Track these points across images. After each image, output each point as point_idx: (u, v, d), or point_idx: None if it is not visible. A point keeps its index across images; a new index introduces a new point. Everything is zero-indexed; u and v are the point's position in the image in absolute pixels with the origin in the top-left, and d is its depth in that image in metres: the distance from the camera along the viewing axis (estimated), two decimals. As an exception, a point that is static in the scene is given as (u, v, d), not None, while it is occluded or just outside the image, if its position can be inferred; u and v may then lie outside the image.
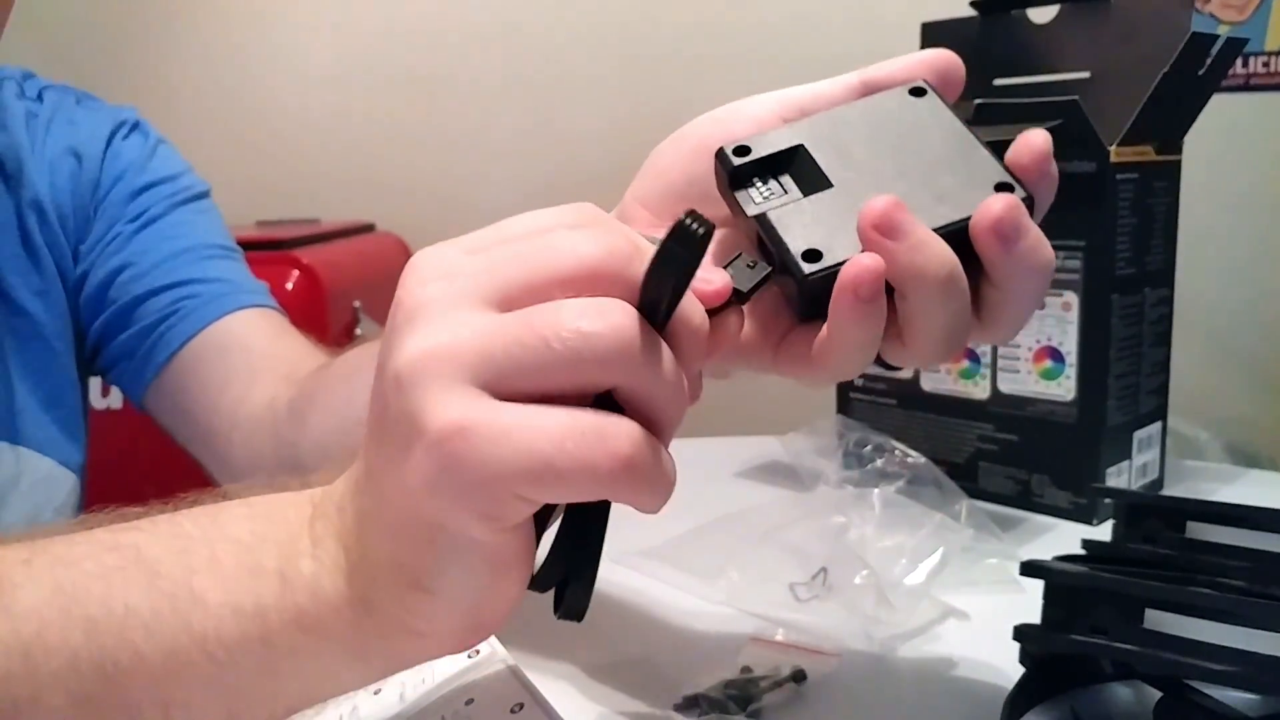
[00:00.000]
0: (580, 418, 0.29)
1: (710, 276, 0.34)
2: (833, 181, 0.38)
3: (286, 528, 0.34)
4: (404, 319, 0.31)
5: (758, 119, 0.42)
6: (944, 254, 0.35)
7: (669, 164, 0.45)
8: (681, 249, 0.30)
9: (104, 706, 0.32)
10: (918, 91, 0.40)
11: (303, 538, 0.34)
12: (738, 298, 0.35)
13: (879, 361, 0.39)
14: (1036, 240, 0.36)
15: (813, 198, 0.38)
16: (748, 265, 0.36)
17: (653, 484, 0.30)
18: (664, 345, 0.31)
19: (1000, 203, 0.35)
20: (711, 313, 0.34)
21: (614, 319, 0.29)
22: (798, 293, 0.37)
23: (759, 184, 0.39)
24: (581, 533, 0.34)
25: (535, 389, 0.29)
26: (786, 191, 0.38)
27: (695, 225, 0.30)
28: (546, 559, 0.34)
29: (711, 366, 0.42)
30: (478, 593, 0.31)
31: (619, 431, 0.29)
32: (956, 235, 0.36)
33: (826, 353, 0.37)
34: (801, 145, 0.39)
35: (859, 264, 0.34)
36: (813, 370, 0.38)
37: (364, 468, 0.33)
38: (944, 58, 0.41)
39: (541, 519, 0.33)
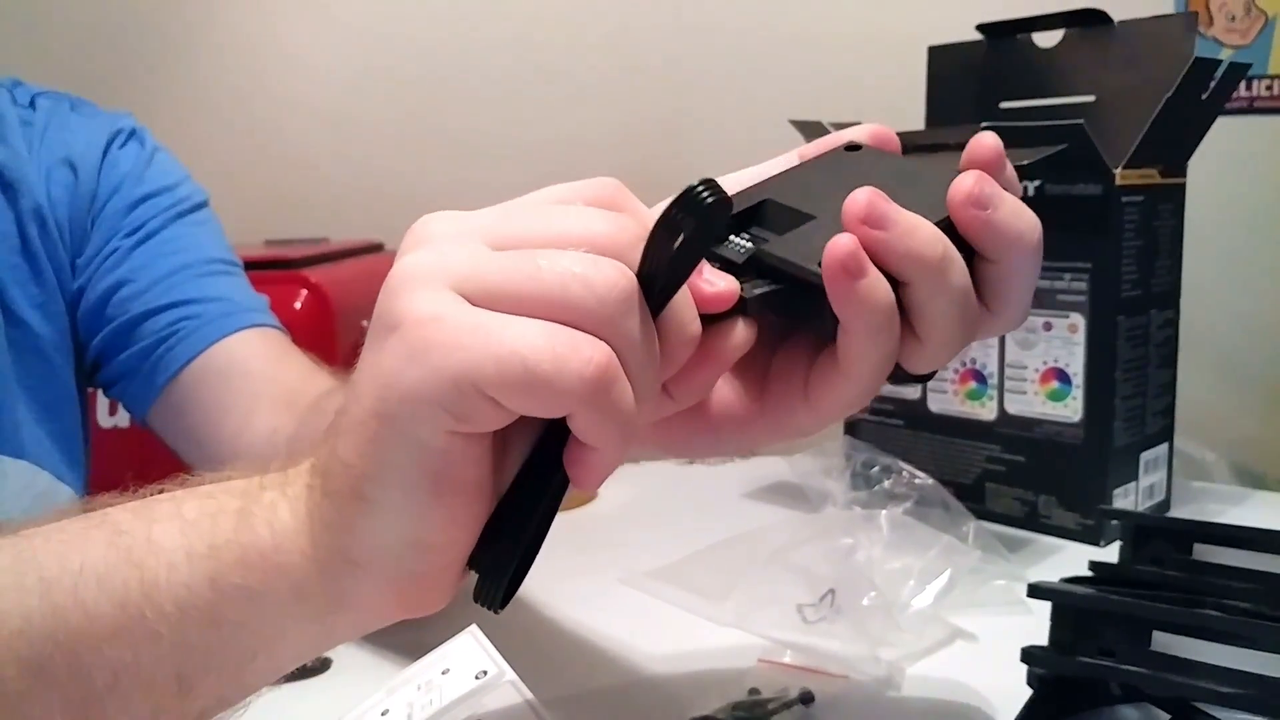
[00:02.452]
0: (556, 327, 0.29)
1: (715, 279, 0.34)
2: (813, 214, 0.37)
3: (258, 476, 0.35)
4: (407, 244, 0.33)
5: None
6: (935, 234, 0.35)
7: None
8: (686, 216, 0.29)
9: (55, 674, 0.32)
10: (852, 147, 0.41)
11: (272, 477, 0.35)
12: (742, 307, 0.35)
13: (898, 375, 0.38)
14: (1015, 206, 0.36)
15: (797, 230, 0.37)
16: (755, 282, 0.36)
17: (619, 412, 0.30)
18: (653, 327, 0.31)
19: (970, 177, 0.35)
20: (715, 319, 0.34)
21: (610, 274, 0.30)
22: (820, 303, 0.35)
23: (734, 238, 0.38)
24: (516, 517, 0.33)
25: (515, 312, 0.30)
26: (766, 239, 0.38)
27: (705, 193, 0.29)
28: (480, 536, 0.33)
29: (678, 444, 0.41)
30: (416, 515, 0.31)
31: (595, 345, 0.29)
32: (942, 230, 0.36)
33: (848, 361, 0.36)
34: (768, 199, 0.39)
35: (834, 244, 0.33)
36: (838, 387, 0.37)
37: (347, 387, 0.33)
38: (878, 128, 0.41)
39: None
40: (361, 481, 0.31)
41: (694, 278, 0.33)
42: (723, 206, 0.29)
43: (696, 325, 0.33)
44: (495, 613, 0.33)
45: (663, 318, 0.32)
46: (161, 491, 0.37)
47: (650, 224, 0.32)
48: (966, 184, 0.35)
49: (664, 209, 0.30)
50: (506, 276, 0.30)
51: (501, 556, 0.33)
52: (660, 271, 0.31)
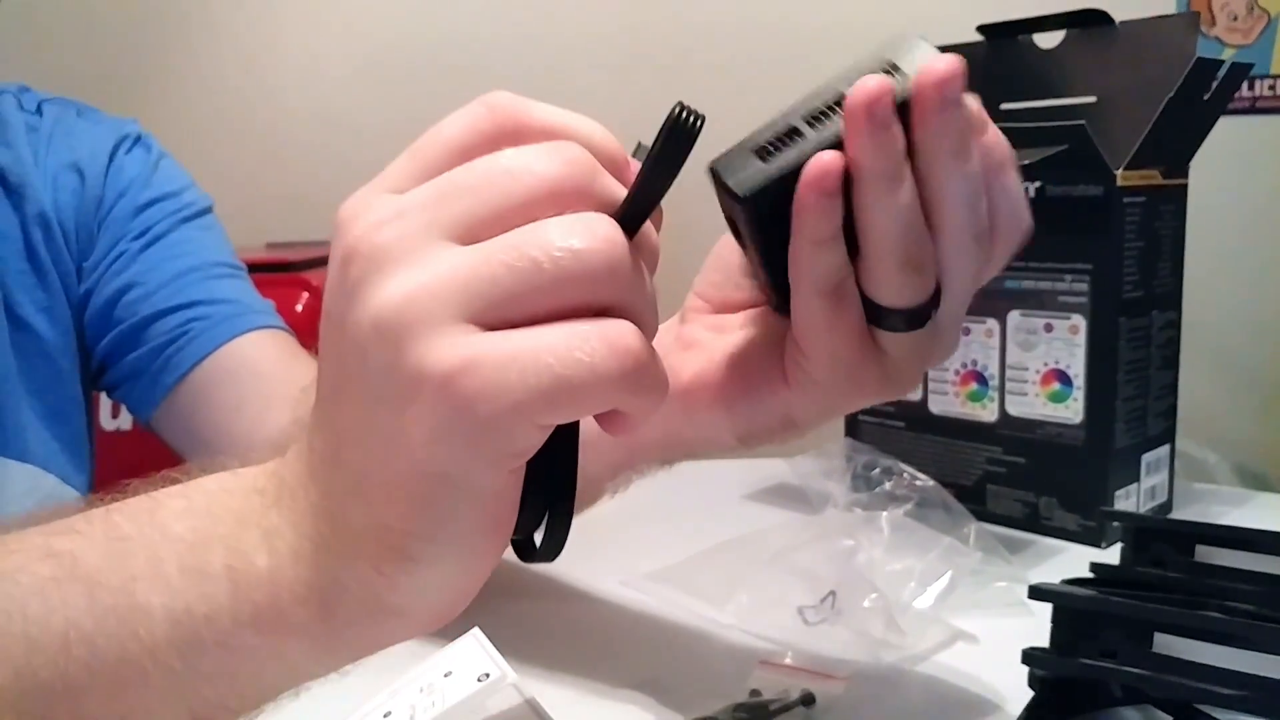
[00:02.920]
0: (579, 327, 0.28)
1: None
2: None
3: (232, 521, 0.32)
4: (364, 268, 0.28)
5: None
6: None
7: (731, 253, 0.46)
8: (683, 146, 0.29)
9: None
10: None
11: (252, 529, 0.32)
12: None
13: (880, 315, 0.38)
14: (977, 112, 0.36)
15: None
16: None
17: (656, 379, 0.29)
18: (645, 272, 0.30)
19: (944, 61, 0.35)
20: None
21: (604, 233, 0.28)
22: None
23: None
24: (554, 463, 0.32)
25: (527, 315, 0.28)
26: None
27: (689, 116, 0.29)
28: (523, 502, 0.32)
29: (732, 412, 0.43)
30: (464, 555, 0.30)
31: (621, 330, 0.28)
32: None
33: (797, 272, 0.37)
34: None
35: (819, 160, 0.34)
36: (803, 308, 0.38)
37: (330, 439, 0.31)
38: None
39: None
40: (408, 541, 0.29)
41: None
42: (702, 125, 0.29)
43: (655, 237, 0.32)
44: (552, 560, 0.33)
45: (637, 237, 0.30)
46: (117, 499, 0.35)
47: (563, 121, 0.31)
48: (940, 67, 0.35)
49: (656, 146, 0.29)
50: (505, 284, 0.28)
51: (560, 504, 0.33)
52: (650, 206, 0.30)
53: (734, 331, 0.44)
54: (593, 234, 0.28)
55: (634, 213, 0.30)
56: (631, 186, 0.30)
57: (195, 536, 0.32)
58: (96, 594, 0.32)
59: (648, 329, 0.29)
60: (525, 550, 0.34)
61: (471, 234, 0.29)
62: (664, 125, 0.29)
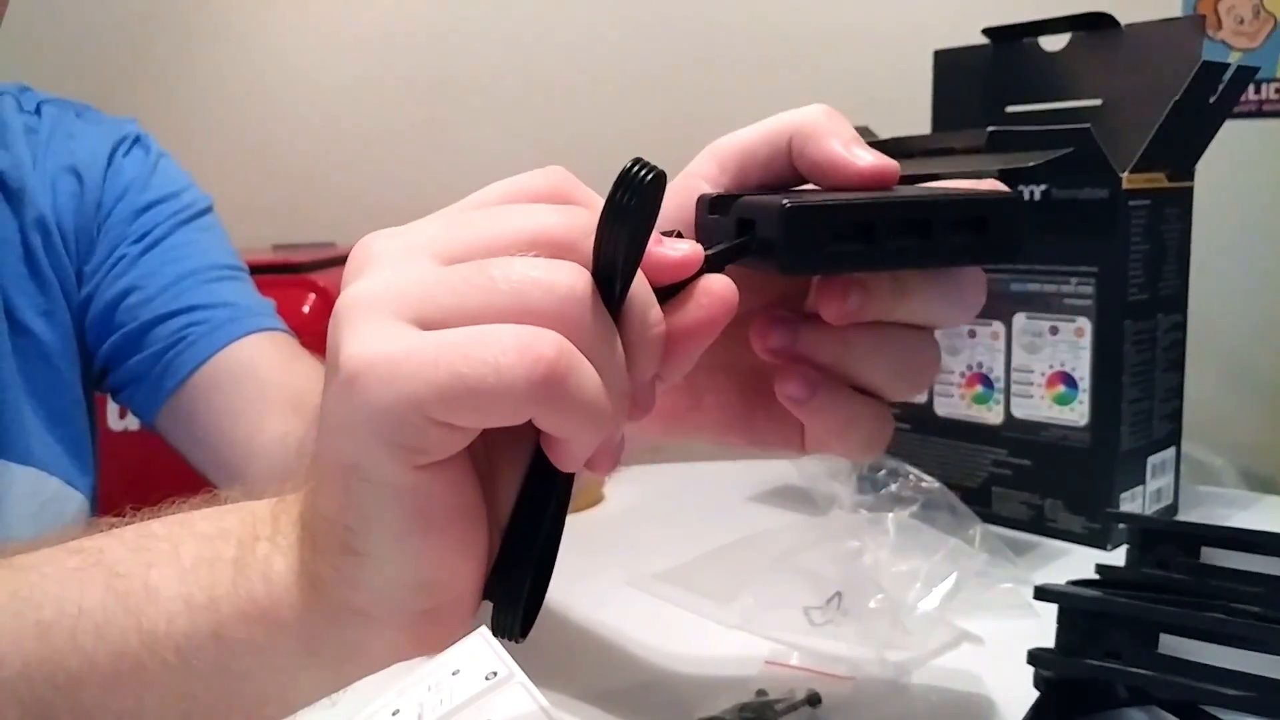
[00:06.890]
0: (497, 329, 0.27)
1: (676, 245, 0.33)
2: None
3: (251, 518, 0.34)
4: (351, 272, 0.31)
5: (699, 173, 0.41)
6: None
7: None
8: (631, 198, 0.29)
9: (58, 718, 0.32)
10: None
11: (264, 523, 0.34)
12: (708, 265, 0.33)
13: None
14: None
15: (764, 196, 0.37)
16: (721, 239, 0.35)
17: (582, 404, 0.28)
18: (614, 328, 0.30)
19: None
20: (678, 288, 0.32)
21: (566, 273, 0.29)
22: (779, 238, 0.33)
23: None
24: (522, 538, 0.32)
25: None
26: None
27: (642, 170, 0.29)
28: (494, 565, 0.32)
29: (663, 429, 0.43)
30: (411, 557, 0.30)
31: (540, 337, 0.27)
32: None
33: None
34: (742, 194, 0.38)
35: None
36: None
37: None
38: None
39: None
40: (348, 536, 0.30)
41: (655, 247, 0.32)
42: (661, 179, 0.29)
43: (656, 311, 0.31)
44: (516, 642, 0.32)
45: (624, 312, 0.30)
46: (159, 515, 0.36)
47: (591, 213, 0.31)
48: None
49: (608, 196, 0.29)
50: (459, 293, 0.28)
51: (513, 582, 0.32)
52: (615, 259, 0.29)
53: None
54: (554, 271, 0.29)
55: (606, 272, 0.29)
56: (595, 242, 0.30)
57: (216, 532, 0.34)
58: (113, 582, 0.33)
59: (609, 383, 0.29)
60: (497, 625, 0.33)
61: (455, 257, 0.30)
62: (617, 177, 0.29)
